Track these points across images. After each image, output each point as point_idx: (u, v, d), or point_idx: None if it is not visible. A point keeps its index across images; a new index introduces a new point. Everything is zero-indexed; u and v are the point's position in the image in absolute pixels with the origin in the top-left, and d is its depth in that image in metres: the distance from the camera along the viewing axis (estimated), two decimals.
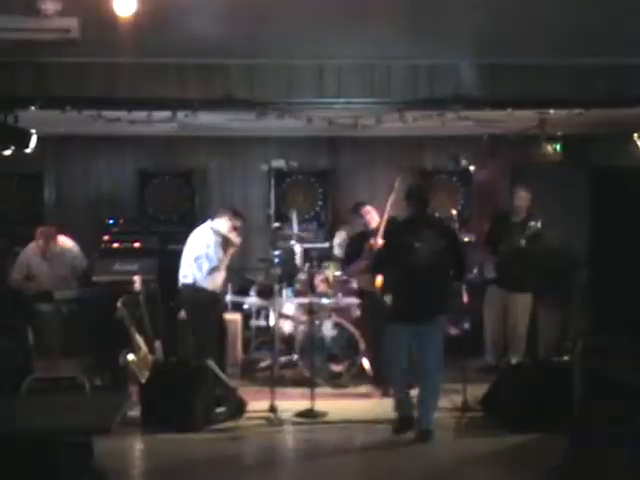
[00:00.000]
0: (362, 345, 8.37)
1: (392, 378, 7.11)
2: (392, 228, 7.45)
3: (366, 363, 8.45)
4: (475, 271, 7.62)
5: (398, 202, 7.55)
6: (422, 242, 6.75)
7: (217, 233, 8.55)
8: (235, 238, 8.67)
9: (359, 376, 8.46)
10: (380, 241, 7.54)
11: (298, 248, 9.29)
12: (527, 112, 8.32)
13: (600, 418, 6.37)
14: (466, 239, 9.74)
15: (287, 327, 9.14)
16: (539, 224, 8.44)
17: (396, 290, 7.00)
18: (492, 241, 8.80)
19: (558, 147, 9.11)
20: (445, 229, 7.20)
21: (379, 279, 7.44)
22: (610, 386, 6.33)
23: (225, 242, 8.56)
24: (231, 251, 8.64)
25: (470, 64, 7.71)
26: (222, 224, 8.61)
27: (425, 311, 6.79)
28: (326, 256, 9.58)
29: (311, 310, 7.95)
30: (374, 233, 7.86)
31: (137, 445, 6.83)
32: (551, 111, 8.24)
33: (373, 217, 8.22)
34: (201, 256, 8.44)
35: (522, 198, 8.95)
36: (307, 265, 9.05)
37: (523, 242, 8.57)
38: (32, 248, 8.51)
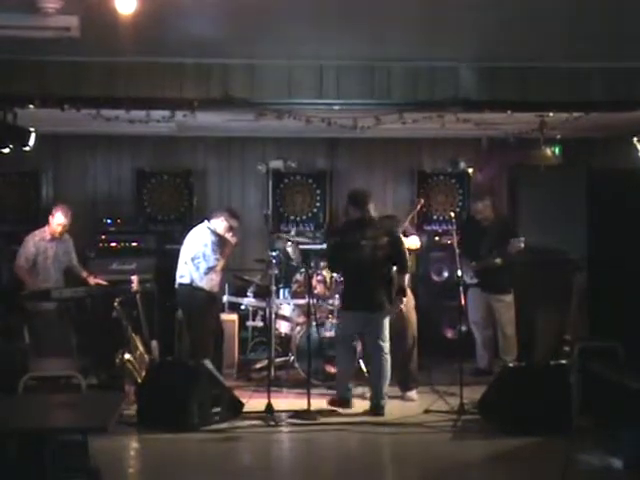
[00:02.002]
0: (359, 347, 8.36)
1: (340, 361, 7.85)
2: (340, 229, 8.28)
3: (362, 365, 8.45)
4: (459, 274, 7.64)
5: (412, 220, 8.51)
6: (366, 240, 7.55)
7: (214, 233, 8.55)
8: (232, 238, 8.68)
9: (355, 378, 8.44)
10: None
11: (295, 249, 9.27)
12: (526, 115, 8.33)
13: (599, 421, 6.38)
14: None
15: (284, 328, 9.13)
16: (522, 243, 8.50)
17: (346, 282, 7.86)
18: (467, 251, 8.72)
19: (557, 150, 9.12)
20: (386, 228, 7.77)
21: None
22: (608, 389, 6.33)
23: (222, 242, 8.56)
24: (228, 251, 8.65)
25: (470, 66, 7.72)
26: (219, 224, 8.61)
27: (373, 301, 7.55)
28: (324, 257, 9.56)
29: (308, 311, 7.94)
30: None
31: (132, 444, 6.83)
32: (550, 114, 8.24)
33: None
34: (198, 256, 8.44)
35: (480, 210, 9.12)
36: (304, 266, 9.04)
37: (499, 260, 8.66)
38: (39, 234, 8.44)
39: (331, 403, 7.68)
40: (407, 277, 7.76)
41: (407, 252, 7.78)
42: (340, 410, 7.62)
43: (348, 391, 7.77)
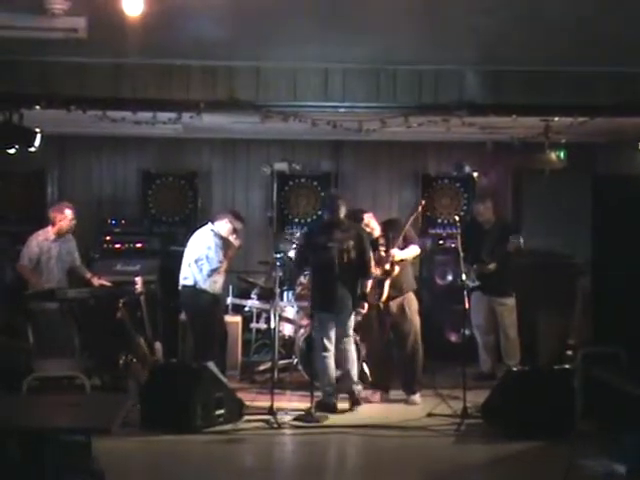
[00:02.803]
0: (362, 350, 8.37)
1: (316, 365, 7.79)
2: (310, 231, 8.58)
3: (366, 368, 8.46)
4: (464, 277, 7.63)
5: (416, 220, 8.42)
6: (333, 242, 7.67)
7: (218, 235, 8.56)
8: (235, 240, 8.69)
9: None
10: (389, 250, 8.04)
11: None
12: (531, 119, 8.32)
13: (602, 426, 6.37)
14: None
15: (287, 330, 9.13)
16: (521, 241, 8.45)
17: (315, 283, 7.91)
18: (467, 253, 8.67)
19: (562, 154, 9.10)
20: (354, 231, 7.87)
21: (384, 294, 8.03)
22: (611, 394, 6.33)
23: (225, 244, 8.57)
24: (231, 253, 8.66)
25: (475, 70, 7.72)
26: (223, 226, 8.62)
27: (338, 301, 7.66)
28: None
29: (312, 314, 7.95)
30: (376, 242, 7.98)
31: (136, 446, 6.78)
32: (555, 118, 8.24)
33: (375, 225, 8.24)
34: (202, 258, 8.45)
35: (481, 212, 9.11)
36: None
37: (492, 266, 8.65)
38: (43, 234, 8.45)
39: (317, 406, 7.62)
40: (369, 282, 7.87)
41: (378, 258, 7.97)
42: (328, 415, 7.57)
43: (330, 395, 7.75)
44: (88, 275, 8.66)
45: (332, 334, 7.78)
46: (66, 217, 8.45)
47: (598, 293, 9.11)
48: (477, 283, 8.80)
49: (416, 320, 8.18)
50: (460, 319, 8.21)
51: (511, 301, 8.91)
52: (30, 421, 4.69)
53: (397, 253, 8.01)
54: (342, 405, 7.81)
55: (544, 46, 6.95)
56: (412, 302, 8.16)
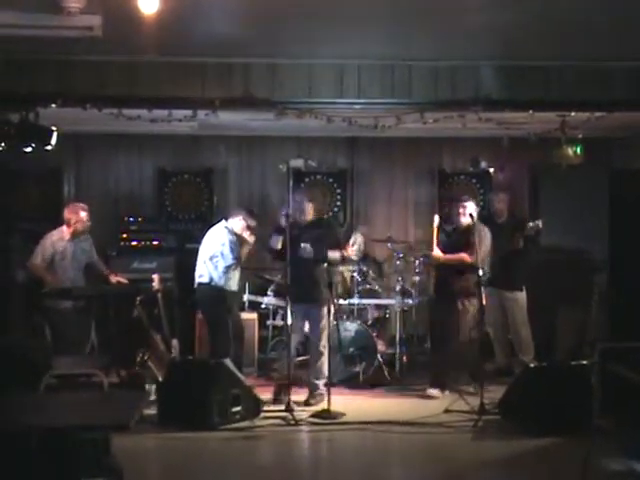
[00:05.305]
0: (380, 346, 8.37)
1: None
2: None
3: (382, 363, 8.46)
4: (481, 273, 7.59)
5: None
6: (306, 237, 7.92)
7: (231, 232, 8.57)
8: (249, 237, 8.70)
9: (376, 377, 8.44)
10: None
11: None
12: (548, 114, 8.29)
13: (619, 422, 6.34)
14: None
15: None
16: (540, 223, 8.45)
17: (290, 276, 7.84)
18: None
19: (578, 149, 9.06)
20: (325, 225, 8.39)
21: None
22: (629, 390, 6.29)
23: (240, 241, 8.58)
24: (245, 250, 8.67)
25: (491, 66, 7.70)
26: (236, 223, 8.63)
27: (308, 293, 7.88)
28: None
29: (328, 310, 7.94)
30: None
31: (153, 443, 6.82)
32: (572, 113, 8.20)
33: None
34: (216, 255, 8.46)
35: (502, 200, 9.13)
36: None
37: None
38: (57, 234, 8.48)
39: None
40: (337, 253, 8.14)
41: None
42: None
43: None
44: (106, 271, 8.68)
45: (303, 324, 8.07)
46: (81, 219, 8.46)
47: (615, 289, 9.07)
48: (487, 275, 8.72)
49: (464, 324, 8.11)
50: (478, 315, 8.17)
51: (521, 296, 8.87)
52: (48, 419, 4.70)
53: (435, 253, 8.11)
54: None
55: (560, 41, 6.92)
56: (469, 305, 8.11)
